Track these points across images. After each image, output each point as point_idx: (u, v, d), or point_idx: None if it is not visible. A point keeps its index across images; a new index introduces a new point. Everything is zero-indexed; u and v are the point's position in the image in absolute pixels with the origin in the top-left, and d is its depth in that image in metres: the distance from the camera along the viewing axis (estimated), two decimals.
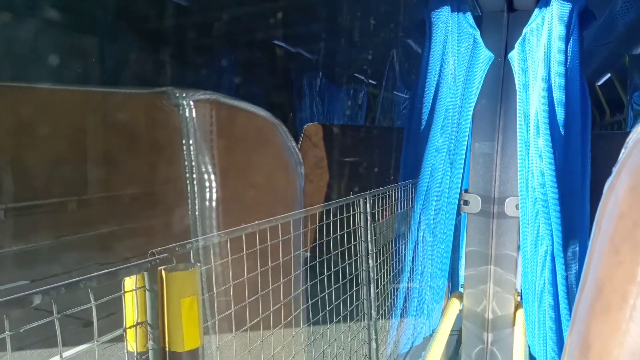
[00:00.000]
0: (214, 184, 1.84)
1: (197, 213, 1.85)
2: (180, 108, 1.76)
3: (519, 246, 3.13)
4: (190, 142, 1.80)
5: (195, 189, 1.83)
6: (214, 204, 1.85)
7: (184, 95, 1.79)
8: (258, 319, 1.82)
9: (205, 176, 1.82)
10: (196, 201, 1.84)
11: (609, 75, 10.59)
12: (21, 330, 1.02)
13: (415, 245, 3.22)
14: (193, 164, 1.81)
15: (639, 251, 0.44)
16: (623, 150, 0.56)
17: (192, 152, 1.81)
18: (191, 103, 1.78)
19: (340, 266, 2.57)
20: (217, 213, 1.87)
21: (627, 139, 0.56)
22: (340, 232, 2.51)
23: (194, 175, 1.82)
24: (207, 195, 1.84)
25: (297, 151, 2.22)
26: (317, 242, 2.43)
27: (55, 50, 7.42)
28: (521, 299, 3.27)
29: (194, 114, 1.78)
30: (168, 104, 1.78)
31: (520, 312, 3.22)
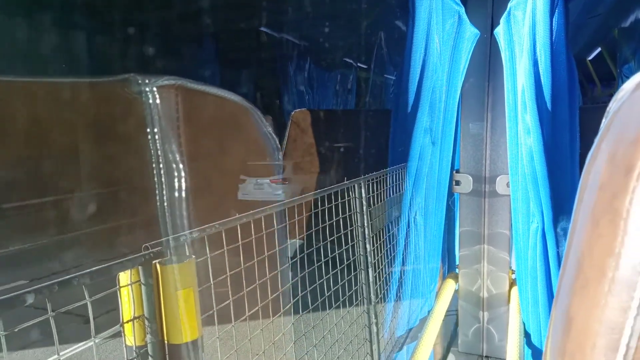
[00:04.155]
0: (182, 173, 1.80)
1: (165, 203, 1.82)
2: (143, 95, 1.71)
3: (512, 224, 3.15)
4: (155, 130, 1.74)
5: (163, 179, 1.79)
6: (182, 192, 1.82)
7: (146, 81, 1.74)
8: (256, 308, 1.83)
9: (173, 165, 1.78)
10: (164, 190, 1.81)
11: (599, 49, 10.58)
12: (16, 330, 1.01)
13: (407, 228, 3.23)
14: (159, 152, 1.77)
15: (618, 223, 0.43)
16: (604, 120, 0.55)
17: (157, 141, 1.76)
18: (154, 89, 1.73)
19: (337, 252, 2.58)
20: (187, 202, 1.84)
21: (607, 109, 0.55)
22: (336, 218, 2.52)
23: (161, 165, 1.77)
24: (176, 184, 1.80)
25: (274, 136, 2.20)
26: (314, 228, 2.43)
27: (36, 43, 7.22)
28: (515, 276, 3.30)
29: (157, 101, 1.72)
30: (130, 92, 1.74)
31: (515, 290, 3.25)
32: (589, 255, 0.50)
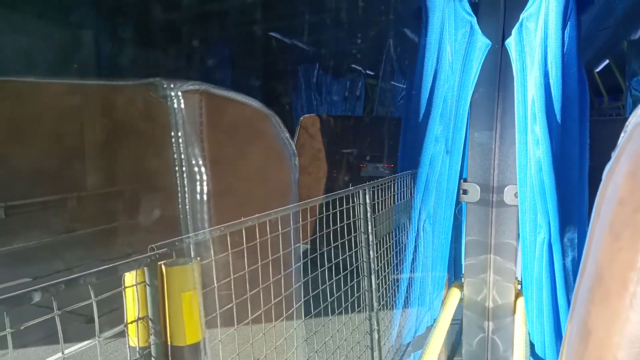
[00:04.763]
0: (204, 177, 1.82)
1: (187, 207, 1.83)
2: (169, 99, 1.73)
3: (519, 234, 3.13)
4: (179, 134, 1.76)
5: (186, 182, 1.81)
6: (204, 196, 1.83)
7: (172, 86, 1.75)
8: (259, 312, 1.83)
9: (196, 169, 1.79)
10: (186, 194, 1.82)
11: (607, 61, 10.55)
12: (22, 328, 1.01)
13: (415, 236, 3.22)
14: (182, 156, 1.78)
15: None
16: (622, 135, 0.55)
17: (181, 145, 1.78)
18: (179, 94, 1.74)
19: (340, 258, 2.58)
20: (209, 206, 1.85)
21: (627, 123, 0.55)
22: (340, 223, 2.51)
23: (184, 168, 1.79)
24: (198, 188, 1.81)
25: (291, 142, 2.20)
26: (317, 234, 2.42)
27: (47, 43, 7.29)
28: (521, 287, 3.28)
29: (182, 105, 1.74)
30: (156, 96, 1.75)
31: (521, 301, 3.23)
32: (609, 268, 0.49)
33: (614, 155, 0.55)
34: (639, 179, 0.45)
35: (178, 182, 1.83)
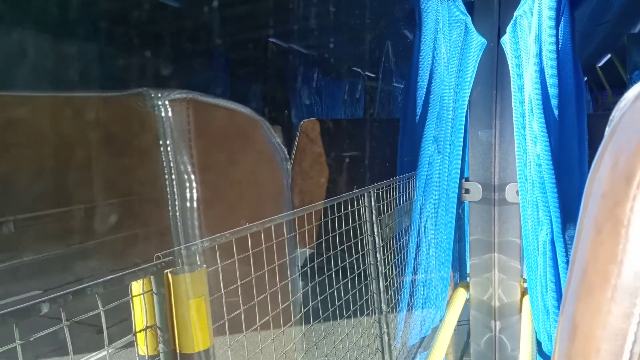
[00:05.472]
0: (194, 184, 1.83)
1: (177, 214, 1.84)
2: (156, 109, 1.75)
3: (522, 232, 3.13)
4: (168, 142, 1.78)
5: (175, 189, 1.82)
6: (194, 204, 1.85)
7: (159, 95, 1.78)
8: (267, 317, 1.84)
9: (185, 176, 1.81)
10: (176, 202, 1.84)
11: (609, 56, 10.52)
12: (31, 339, 1.03)
13: (417, 237, 3.22)
14: (171, 164, 1.80)
15: (619, 230, 0.45)
16: (607, 129, 0.56)
17: (169, 153, 1.79)
18: (167, 103, 1.76)
19: (347, 261, 2.58)
20: (199, 213, 1.87)
21: (611, 117, 0.56)
22: (345, 227, 2.52)
23: (173, 176, 1.80)
24: (188, 195, 1.83)
25: (283, 147, 2.22)
26: (323, 238, 2.43)
27: (42, 55, 7.30)
28: (526, 285, 3.27)
29: (170, 114, 1.76)
30: (144, 105, 1.77)
31: (527, 299, 3.22)
32: (593, 262, 0.50)
33: (599, 150, 0.56)
34: (620, 172, 0.47)
35: (167, 190, 1.84)
